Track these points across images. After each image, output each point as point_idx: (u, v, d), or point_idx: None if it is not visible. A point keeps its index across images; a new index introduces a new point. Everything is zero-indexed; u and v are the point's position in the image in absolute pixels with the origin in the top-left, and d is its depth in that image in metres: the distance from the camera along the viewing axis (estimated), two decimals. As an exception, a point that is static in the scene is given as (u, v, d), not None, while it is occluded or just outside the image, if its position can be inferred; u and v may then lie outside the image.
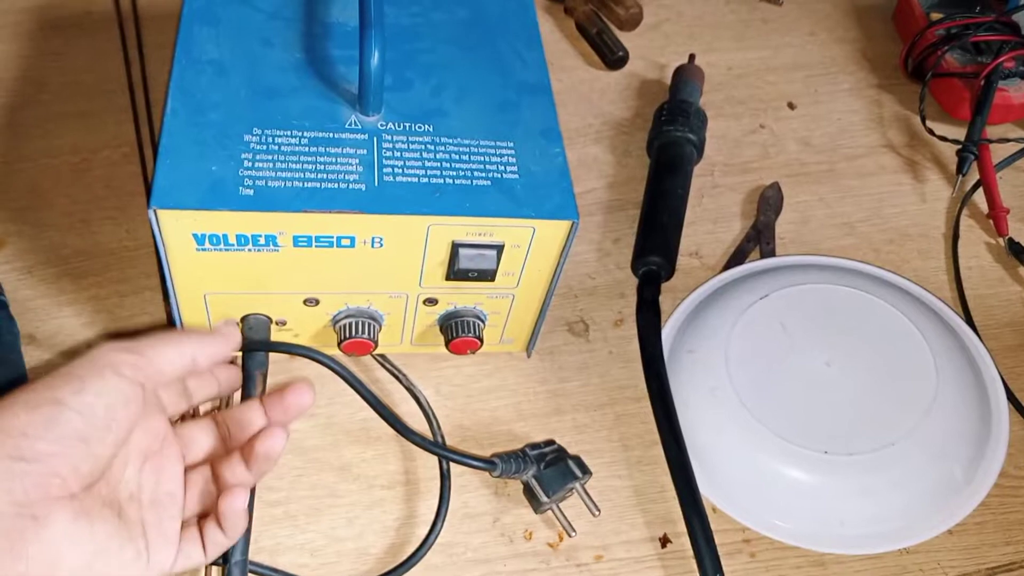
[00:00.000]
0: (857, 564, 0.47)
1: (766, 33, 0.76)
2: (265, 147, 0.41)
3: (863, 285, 0.53)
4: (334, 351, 0.47)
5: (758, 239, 0.60)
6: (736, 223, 0.62)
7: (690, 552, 0.46)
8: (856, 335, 0.51)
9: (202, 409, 0.43)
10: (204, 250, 0.41)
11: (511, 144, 0.44)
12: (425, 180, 0.42)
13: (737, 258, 0.59)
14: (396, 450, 0.50)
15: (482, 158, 0.43)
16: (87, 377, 0.31)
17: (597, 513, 0.47)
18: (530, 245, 0.44)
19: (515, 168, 0.43)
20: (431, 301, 0.47)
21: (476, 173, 0.43)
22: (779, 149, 0.67)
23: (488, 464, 0.46)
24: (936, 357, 0.50)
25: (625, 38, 0.72)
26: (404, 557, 0.46)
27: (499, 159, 0.44)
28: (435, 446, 0.48)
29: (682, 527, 0.47)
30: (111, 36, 0.72)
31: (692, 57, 0.69)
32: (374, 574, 0.45)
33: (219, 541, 0.36)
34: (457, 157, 0.43)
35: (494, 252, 0.43)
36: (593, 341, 0.55)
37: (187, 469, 0.37)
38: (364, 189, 0.41)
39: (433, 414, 0.51)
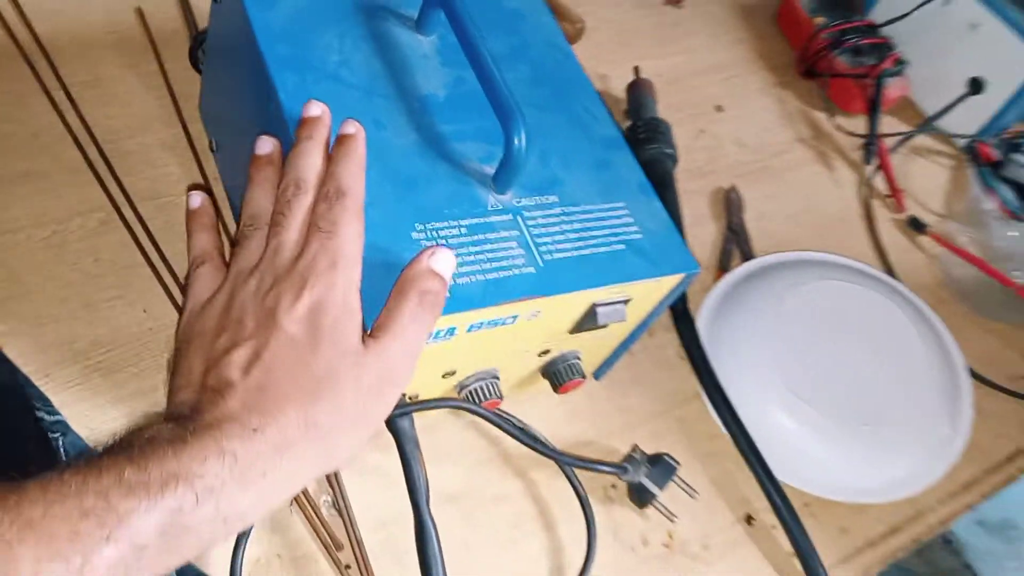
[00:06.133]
0: (890, 508, 0.59)
1: (679, 37, 0.84)
2: (434, 242, 0.42)
3: (853, 278, 0.65)
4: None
5: (736, 240, 0.69)
6: (710, 224, 0.70)
7: (771, 524, 0.55)
8: (862, 326, 0.62)
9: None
10: (389, 352, 0.41)
11: (623, 204, 0.48)
12: (575, 254, 0.45)
13: (725, 258, 0.68)
14: (518, 489, 0.53)
15: (607, 222, 0.47)
16: None
17: (696, 495, 0.54)
18: (648, 295, 0.49)
19: (636, 228, 0.48)
20: (545, 352, 0.50)
21: (610, 239, 0.46)
22: (721, 152, 0.76)
23: (619, 468, 0.52)
24: (922, 339, 0.62)
25: (569, 51, 0.76)
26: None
27: (619, 221, 0.48)
28: (578, 460, 0.52)
29: (757, 505, 0.56)
30: (18, 76, 0.62)
31: (637, 70, 0.75)
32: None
33: None
34: (589, 225, 0.46)
35: (624, 306, 0.48)
36: (636, 355, 0.62)
37: None
38: (534, 272, 0.43)
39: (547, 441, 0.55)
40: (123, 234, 0.57)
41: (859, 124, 0.80)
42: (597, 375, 0.58)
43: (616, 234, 0.47)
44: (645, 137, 0.69)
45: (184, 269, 0.47)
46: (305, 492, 0.50)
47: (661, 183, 0.67)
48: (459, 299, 0.40)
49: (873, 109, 0.77)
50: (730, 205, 0.71)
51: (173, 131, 0.62)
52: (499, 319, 0.43)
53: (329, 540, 0.48)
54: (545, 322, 0.46)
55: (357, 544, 0.49)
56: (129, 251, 0.57)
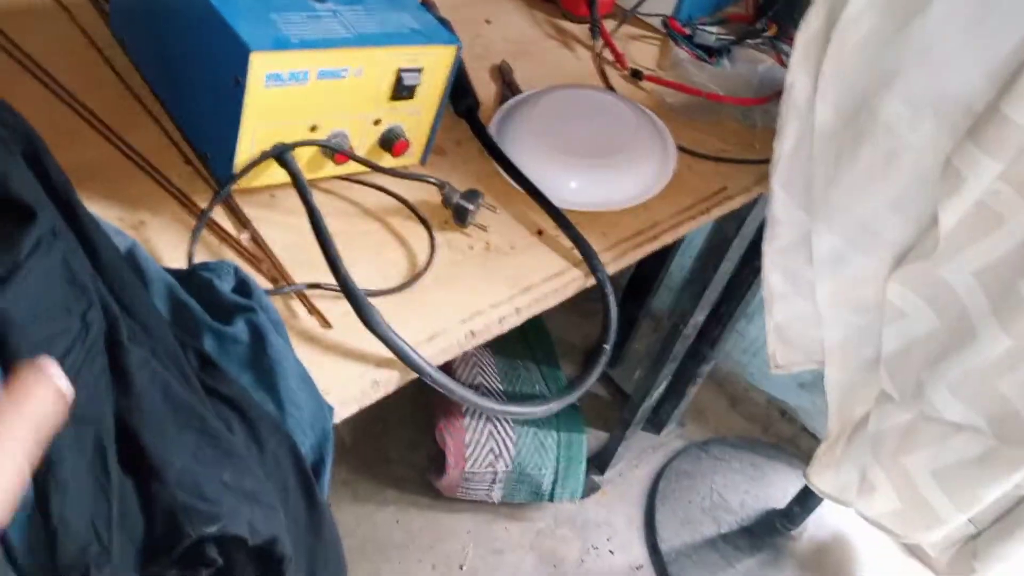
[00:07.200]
0: (633, 218, 0.86)
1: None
2: (287, 22, 0.67)
3: (589, 90, 0.94)
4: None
5: (510, 90, 0.98)
6: (491, 85, 0.99)
7: (556, 234, 0.82)
8: (599, 112, 0.91)
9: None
10: (269, 87, 0.65)
11: (409, 14, 0.76)
12: (379, 30, 0.71)
13: (503, 101, 0.96)
14: (379, 228, 0.77)
15: (399, 19, 0.74)
16: None
17: (496, 210, 0.80)
18: (435, 67, 0.75)
19: (418, 25, 0.75)
20: (378, 122, 0.76)
21: (401, 26, 0.73)
22: (493, 46, 1.05)
23: (440, 183, 0.77)
24: (638, 118, 0.92)
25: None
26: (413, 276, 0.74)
27: (407, 19, 0.75)
28: (412, 174, 0.78)
29: (545, 225, 0.82)
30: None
31: (422, -3, 1.04)
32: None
33: None
34: (386, 19, 0.73)
35: (420, 74, 0.74)
36: (450, 154, 0.88)
37: None
38: (353, 37, 0.69)
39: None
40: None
41: (588, 23, 1.13)
42: (423, 161, 0.84)
43: (405, 24, 0.74)
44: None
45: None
46: (225, 232, 0.72)
47: (448, 53, 0.95)
48: (307, 43, 0.66)
49: (592, 7, 1.10)
50: (503, 71, 1.00)
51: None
52: (336, 70, 0.68)
53: (252, 257, 0.71)
54: (368, 83, 0.72)
55: (271, 259, 0.71)
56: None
